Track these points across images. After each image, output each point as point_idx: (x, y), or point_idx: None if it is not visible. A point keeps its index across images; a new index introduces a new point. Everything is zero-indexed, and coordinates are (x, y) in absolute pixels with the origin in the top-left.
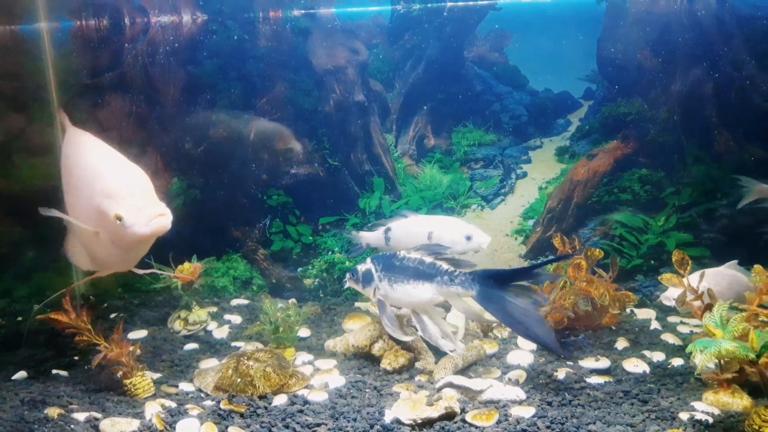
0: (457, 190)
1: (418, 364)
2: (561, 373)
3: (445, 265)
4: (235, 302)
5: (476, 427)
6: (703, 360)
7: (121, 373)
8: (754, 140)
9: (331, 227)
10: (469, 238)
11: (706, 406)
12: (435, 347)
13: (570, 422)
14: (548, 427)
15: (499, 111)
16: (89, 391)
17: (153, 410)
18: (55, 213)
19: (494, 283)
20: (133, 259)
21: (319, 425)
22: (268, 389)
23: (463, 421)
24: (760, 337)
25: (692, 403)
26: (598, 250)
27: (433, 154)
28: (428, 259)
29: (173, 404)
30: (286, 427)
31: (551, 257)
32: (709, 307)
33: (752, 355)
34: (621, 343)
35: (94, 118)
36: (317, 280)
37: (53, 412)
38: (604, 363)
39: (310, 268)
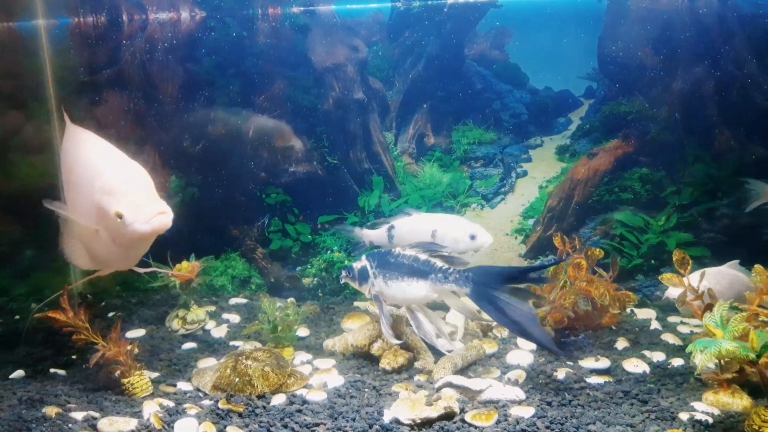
0: (456, 189)
1: (417, 364)
2: (561, 373)
3: (439, 263)
4: (233, 301)
5: (475, 427)
6: (703, 360)
7: (119, 372)
8: (756, 139)
9: (331, 226)
10: (473, 237)
11: (706, 407)
12: (435, 347)
13: (570, 422)
14: (548, 427)
15: (499, 109)
16: (87, 390)
17: (151, 409)
18: (58, 206)
19: (489, 281)
20: (133, 258)
21: (317, 425)
22: (266, 389)
23: (463, 421)
24: (760, 337)
25: (692, 404)
26: (598, 249)
27: (433, 153)
28: (423, 257)
29: (171, 403)
30: (285, 426)
31: (550, 258)
32: (709, 307)
33: (752, 355)
34: (621, 343)
35: (91, 115)
36: (316, 279)
37: (51, 411)
38: (604, 363)
39: (309, 267)
